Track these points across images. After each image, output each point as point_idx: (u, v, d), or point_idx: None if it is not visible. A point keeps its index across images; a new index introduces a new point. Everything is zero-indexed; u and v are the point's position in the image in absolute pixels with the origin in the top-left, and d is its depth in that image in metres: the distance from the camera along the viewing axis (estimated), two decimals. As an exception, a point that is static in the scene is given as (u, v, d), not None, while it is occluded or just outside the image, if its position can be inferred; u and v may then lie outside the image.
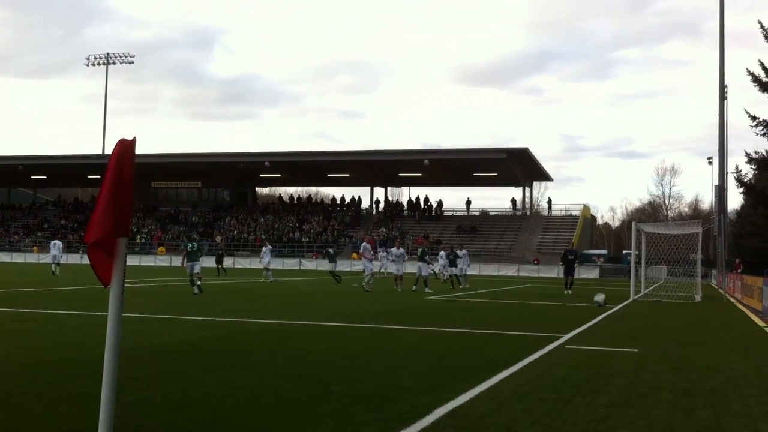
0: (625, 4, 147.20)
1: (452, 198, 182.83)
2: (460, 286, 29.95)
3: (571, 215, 67.17)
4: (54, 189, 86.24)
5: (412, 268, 28.84)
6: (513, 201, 70.68)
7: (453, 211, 71.96)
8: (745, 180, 45.95)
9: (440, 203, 70.63)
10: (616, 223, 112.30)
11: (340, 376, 7.87)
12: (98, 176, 65.18)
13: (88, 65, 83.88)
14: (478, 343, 11.39)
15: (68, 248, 52.80)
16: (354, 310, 17.44)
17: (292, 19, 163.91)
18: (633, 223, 27.29)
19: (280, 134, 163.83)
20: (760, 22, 41.88)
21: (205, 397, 6.62)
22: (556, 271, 49.97)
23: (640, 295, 25.52)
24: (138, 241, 67.63)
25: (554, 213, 69.24)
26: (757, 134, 42.03)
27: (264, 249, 33.94)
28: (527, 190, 71.53)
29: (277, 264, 54.53)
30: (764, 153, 42.15)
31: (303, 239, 65.76)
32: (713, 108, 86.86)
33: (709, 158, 62.02)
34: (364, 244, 27.84)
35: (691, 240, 25.54)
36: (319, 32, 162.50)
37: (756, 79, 41.94)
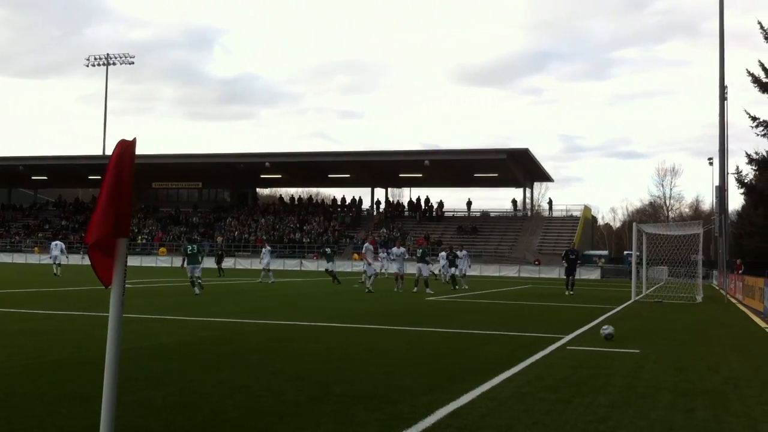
0: (623, 4, 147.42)
1: (453, 199, 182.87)
2: (456, 287, 29.94)
3: (571, 216, 67.15)
4: (55, 189, 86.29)
5: (412, 268, 28.86)
6: (514, 202, 70.71)
7: (454, 211, 72.01)
8: (745, 181, 45.97)
9: (441, 204, 70.67)
10: (617, 224, 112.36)
11: (338, 376, 7.87)
12: (99, 177, 65.17)
13: (88, 65, 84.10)
14: (479, 344, 11.39)
15: (69, 249, 52.72)
16: (354, 311, 17.44)
17: (290, 19, 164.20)
18: (634, 224, 27.27)
19: (279, 134, 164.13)
20: (759, 23, 41.92)
21: (204, 397, 6.62)
22: (557, 272, 49.96)
23: (641, 296, 25.50)
24: (139, 241, 67.66)
25: (555, 214, 69.22)
26: (758, 135, 42.08)
27: (264, 250, 34.01)
28: (528, 190, 71.55)
29: (278, 265, 54.57)
30: (764, 153, 42.18)
31: (304, 240, 65.77)
32: (712, 108, 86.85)
33: (710, 159, 62.01)
34: (366, 244, 27.85)
35: (692, 241, 25.53)
36: (318, 32, 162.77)
37: (756, 80, 41.96)
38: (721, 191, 36.96)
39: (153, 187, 76.77)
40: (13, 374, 7.64)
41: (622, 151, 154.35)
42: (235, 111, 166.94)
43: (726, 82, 34.28)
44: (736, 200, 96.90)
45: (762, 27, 41.65)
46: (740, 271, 35.81)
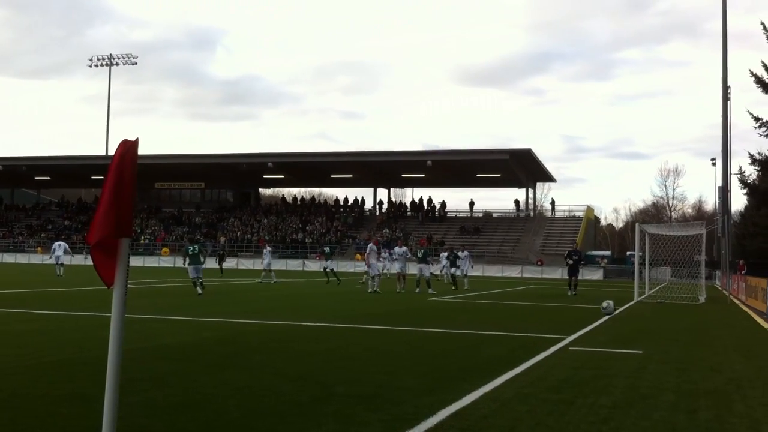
0: (624, 4, 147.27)
1: (455, 199, 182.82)
2: (454, 287, 29.93)
3: (574, 216, 67.11)
4: (57, 190, 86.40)
5: (414, 269, 28.87)
6: (516, 202, 70.67)
7: (456, 212, 71.99)
8: (748, 181, 45.93)
9: (443, 204, 70.65)
10: (619, 225, 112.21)
11: (340, 377, 7.88)
12: (102, 177, 65.16)
13: (91, 66, 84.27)
14: (480, 344, 11.38)
15: (72, 249, 52.76)
16: (355, 311, 17.44)
17: (291, 20, 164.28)
18: (637, 225, 27.24)
19: (281, 135, 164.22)
20: (762, 23, 41.86)
21: (207, 398, 6.62)
22: (559, 273, 49.92)
23: (644, 296, 25.48)
24: (142, 242, 67.73)
25: (558, 214, 69.25)
26: (760, 135, 42.04)
27: (264, 250, 34.08)
28: (530, 191, 71.51)
29: (281, 265, 54.61)
30: (767, 154, 42.12)
31: (306, 240, 65.80)
32: (714, 108, 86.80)
33: (713, 159, 62.06)
34: (370, 245, 27.85)
35: (694, 241, 25.50)
36: (319, 33, 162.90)
37: (759, 80, 41.91)
38: (724, 192, 36.97)
39: (156, 188, 76.81)
40: (15, 375, 7.65)
41: (624, 152, 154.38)
42: (236, 112, 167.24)
43: (728, 83, 34.26)
44: (738, 201, 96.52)
45: (765, 27, 41.59)
46: (743, 272, 35.74)
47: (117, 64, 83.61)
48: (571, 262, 27.79)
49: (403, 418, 5.89)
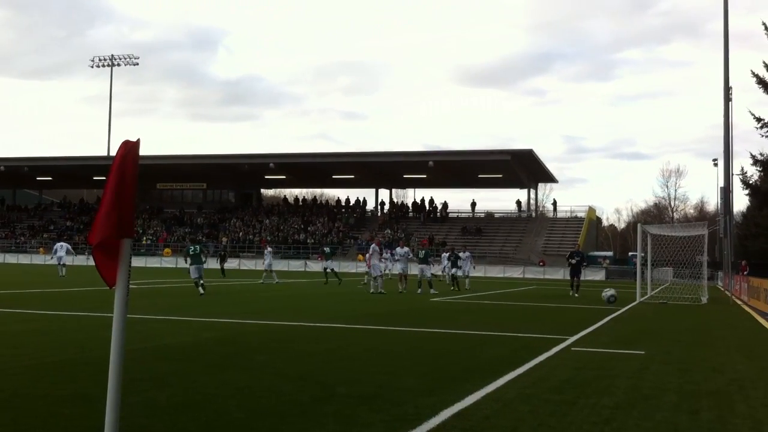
0: (625, 5, 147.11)
1: (457, 200, 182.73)
2: (453, 288, 29.89)
3: (576, 217, 67.08)
4: (59, 190, 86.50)
5: (415, 270, 28.86)
6: (518, 203, 70.64)
7: (458, 212, 72.00)
8: (750, 182, 45.91)
9: (445, 205, 70.63)
10: (621, 225, 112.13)
11: (341, 377, 7.87)
12: (104, 177, 65.27)
13: (92, 66, 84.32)
14: (482, 345, 11.36)
15: (74, 249, 52.82)
16: (357, 312, 17.44)
17: (292, 21, 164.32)
18: (639, 225, 27.21)
19: (282, 135, 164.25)
20: (764, 23, 41.81)
21: (208, 398, 6.62)
22: (561, 273, 49.89)
23: (646, 297, 25.46)
24: (144, 242, 67.77)
25: (559, 215, 69.20)
26: (762, 136, 42.00)
27: (265, 251, 34.07)
28: (532, 191, 71.49)
29: (283, 265, 54.64)
30: (769, 154, 42.07)
31: (308, 241, 65.81)
32: (715, 109, 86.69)
33: (715, 160, 61.93)
34: (373, 245, 27.85)
35: (696, 242, 25.47)
36: (320, 33, 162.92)
37: (760, 81, 41.87)
38: (726, 192, 36.90)
39: (157, 188, 76.84)
40: (17, 375, 7.65)
41: (626, 152, 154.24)
42: (237, 112, 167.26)
43: (730, 83, 34.20)
44: (740, 201, 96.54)
45: (766, 27, 41.55)
46: (745, 273, 35.73)
47: (118, 65, 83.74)
48: (573, 261, 27.77)
49: (405, 419, 5.88)
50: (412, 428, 5.60)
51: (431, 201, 71.10)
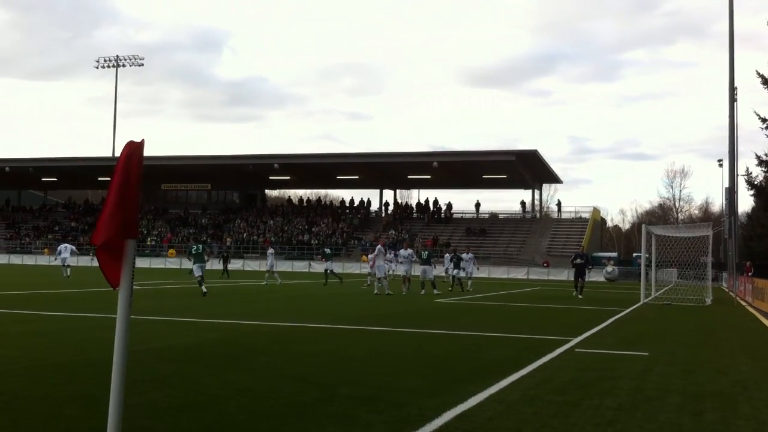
0: (630, 5, 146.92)
1: (461, 200, 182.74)
2: (451, 288, 29.86)
3: (580, 218, 66.97)
4: (64, 191, 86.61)
5: (416, 270, 28.85)
6: (522, 203, 70.55)
7: (462, 213, 71.94)
8: (755, 182, 45.81)
9: (449, 205, 70.60)
10: (626, 226, 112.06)
11: (343, 378, 7.85)
12: (108, 178, 65.36)
13: (98, 67, 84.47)
14: (485, 346, 11.35)
15: (79, 250, 52.95)
16: (360, 313, 17.43)
17: (297, 22, 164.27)
18: (643, 226, 27.17)
19: (286, 136, 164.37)
20: (770, 24, 41.67)
21: (210, 399, 6.61)
22: (565, 274, 49.80)
23: (650, 298, 25.40)
24: (148, 243, 67.82)
25: (564, 215, 69.03)
26: (767, 136, 41.88)
27: (268, 252, 34.10)
28: (536, 192, 71.39)
29: (287, 266, 54.67)
30: (775, 155, 41.97)
31: (312, 241, 65.81)
32: (720, 110, 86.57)
33: (720, 160, 61.83)
34: (378, 246, 27.84)
35: (701, 243, 25.41)
36: (324, 34, 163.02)
37: (765, 81, 41.80)
38: (731, 193, 36.82)
39: (162, 189, 76.93)
40: (17, 376, 7.64)
41: (630, 153, 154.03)
42: (242, 113, 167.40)
43: (735, 84, 34.12)
44: (745, 202, 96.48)
45: (772, 28, 41.43)
46: (750, 274, 35.63)
47: (123, 66, 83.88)
48: (578, 261, 27.73)
49: (407, 420, 5.87)
50: (414, 430, 5.58)
51: (435, 202, 71.06)
